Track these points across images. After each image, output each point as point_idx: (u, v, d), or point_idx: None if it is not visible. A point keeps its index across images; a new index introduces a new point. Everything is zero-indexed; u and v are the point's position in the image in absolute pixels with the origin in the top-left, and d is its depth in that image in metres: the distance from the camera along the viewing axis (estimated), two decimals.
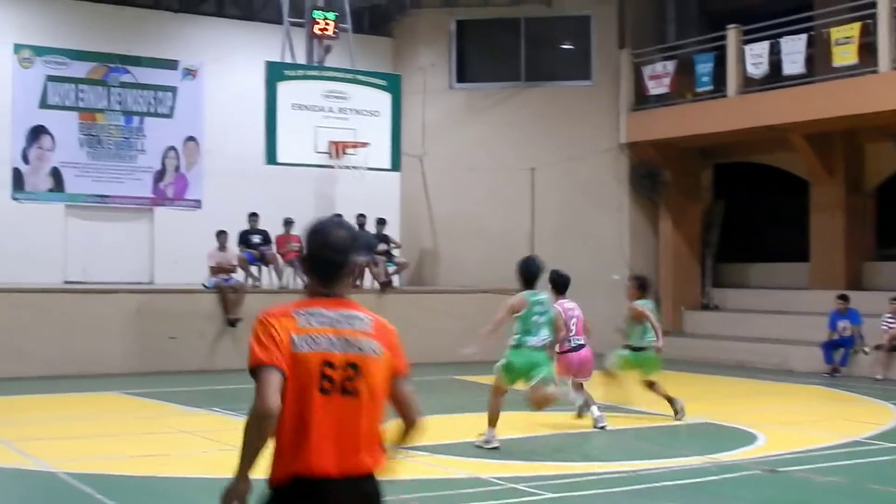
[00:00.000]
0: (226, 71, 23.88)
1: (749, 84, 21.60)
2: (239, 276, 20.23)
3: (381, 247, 22.13)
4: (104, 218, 22.71)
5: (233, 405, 14.43)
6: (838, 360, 19.48)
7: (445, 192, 25.18)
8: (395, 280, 22.38)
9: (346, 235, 4.02)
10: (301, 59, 21.51)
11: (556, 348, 12.06)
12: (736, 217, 24.83)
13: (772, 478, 10.04)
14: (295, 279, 20.94)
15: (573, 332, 12.66)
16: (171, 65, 23.49)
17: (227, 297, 19.26)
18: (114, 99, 22.88)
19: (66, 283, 21.60)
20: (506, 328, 11.33)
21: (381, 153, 21.26)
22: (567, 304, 12.74)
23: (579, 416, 13.25)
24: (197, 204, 23.61)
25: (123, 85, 22.97)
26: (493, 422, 11.28)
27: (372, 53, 24.80)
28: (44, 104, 22.20)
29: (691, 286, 24.47)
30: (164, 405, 14.67)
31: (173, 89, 23.49)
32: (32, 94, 22.12)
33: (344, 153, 20.63)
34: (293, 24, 21.52)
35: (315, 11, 21.10)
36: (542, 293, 11.41)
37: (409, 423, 4.10)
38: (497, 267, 24.08)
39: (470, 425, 12.78)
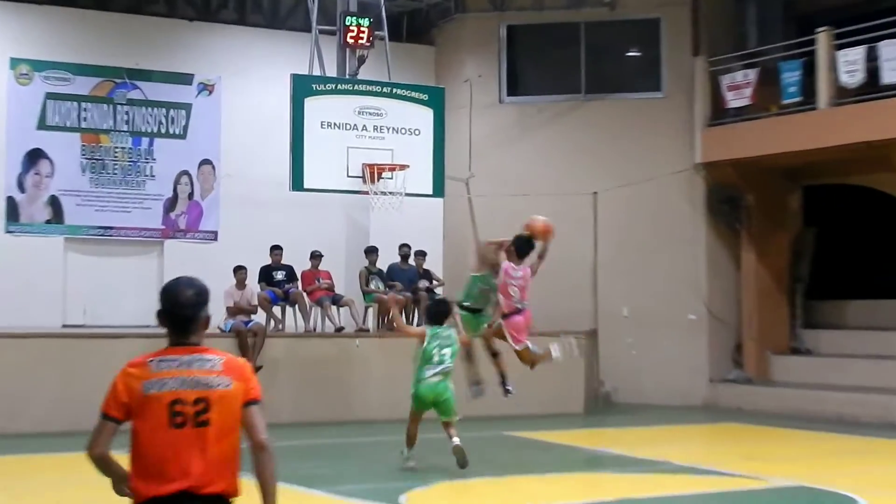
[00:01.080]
0: (246, 85, 24.01)
1: (843, 95, 21.44)
2: (259, 317, 20.22)
3: (422, 283, 22.01)
4: (108, 252, 22.84)
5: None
6: None
7: (495, 221, 24.95)
8: None
9: (194, 293, 5.18)
10: (331, 71, 21.57)
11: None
12: (830, 247, 24.58)
13: None
14: (324, 321, 20.89)
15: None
16: (185, 79, 23.65)
17: (247, 341, 19.24)
18: (120, 118, 23.03)
19: (65, 326, 21.69)
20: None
21: (421, 177, 21.23)
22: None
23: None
24: (213, 236, 23.71)
25: (131, 102, 23.12)
26: (410, 442, 13.92)
27: (411, 64, 24.84)
28: (42, 125, 22.37)
29: (779, 327, 24.23)
30: None
31: (187, 107, 23.63)
32: (30, 114, 22.28)
33: (380, 177, 20.61)
34: (322, 32, 21.59)
35: (347, 18, 21.17)
36: (448, 329, 14.03)
37: (255, 444, 5.14)
38: (555, 304, 23.95)
39: (527, 489, 12.67)
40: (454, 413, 13.67)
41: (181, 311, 5.13)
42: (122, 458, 5.14)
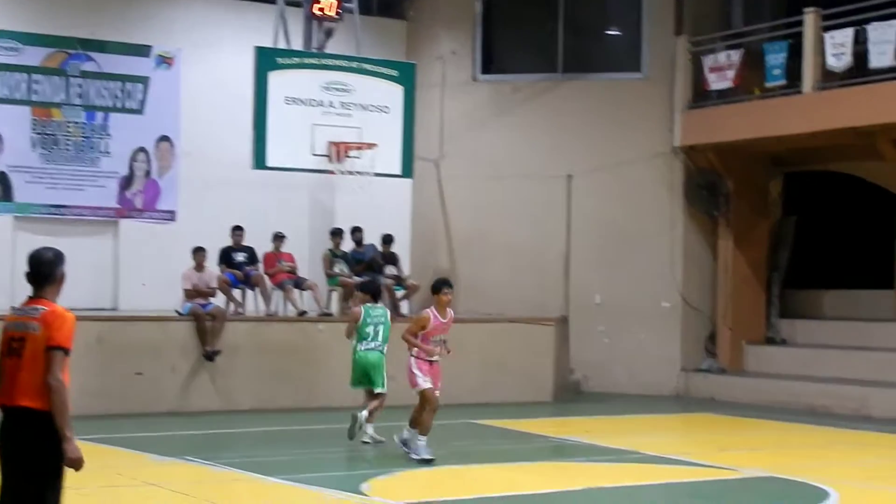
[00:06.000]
0: (207, 58, 24.05)
1: (829, 78, 21.62)
2: (219, 300, 20.35)
3: (389, 270, 22.17)
4: (60, 232, 22.64)
5: (211, 453, 14.61)
6: None
7: (466, 204, 25.34)
8: (404, 307, 22.48)
9: (52, 255, 7.27)
10: (297, 44, 21.75)
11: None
12: (809, 236, 24.87)
13: None
14: (286, 305, 21.10)
15: None
16: (142, 51, 23.68)
17: (205, 325, 19.36)
18: (73, 91, 23.04)
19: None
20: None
21: (390, 156, 21.46)
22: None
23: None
24: (170, 216, 23.80)
25: (85, 74, 23.10)
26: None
27: (382, 38, 25.03)
28: None
29: (755, 317, 24.53)
30: (128, 453, 14.82)
31: (144, 80, 23.67)
32: None
33: (346, 156, 20.84)
34: (289, 2, 21.75)
35: None
36: (380, 307, 15.73)
37: (44, 382, 6.86)
38: (526, 292, 24.28)
39: (492, 478, 12.98)
40: (382, 386, 15.18)
41: (39, 269, 7.20)
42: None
